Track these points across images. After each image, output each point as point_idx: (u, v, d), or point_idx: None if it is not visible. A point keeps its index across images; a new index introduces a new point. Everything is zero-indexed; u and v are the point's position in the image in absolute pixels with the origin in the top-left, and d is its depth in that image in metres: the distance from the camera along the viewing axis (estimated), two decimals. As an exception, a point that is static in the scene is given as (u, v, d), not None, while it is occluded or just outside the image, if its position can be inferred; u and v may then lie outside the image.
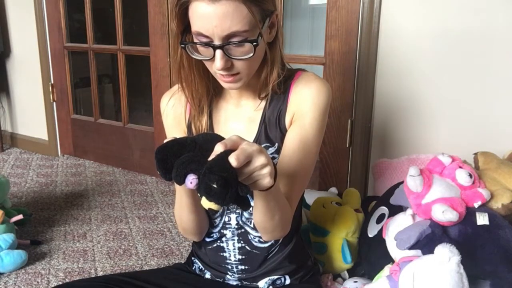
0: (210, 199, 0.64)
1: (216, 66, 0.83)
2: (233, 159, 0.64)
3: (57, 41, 2.55)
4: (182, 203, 0.97)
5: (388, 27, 1.60)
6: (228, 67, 0.84)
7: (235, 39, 0.81)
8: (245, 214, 1.01)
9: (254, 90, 0.97)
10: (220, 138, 0.70)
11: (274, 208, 0.85)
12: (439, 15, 1.50)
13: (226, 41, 0.81)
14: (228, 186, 0.63)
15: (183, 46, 0.86)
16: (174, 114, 1.03)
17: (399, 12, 1.57)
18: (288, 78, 0.97)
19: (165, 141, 0.72)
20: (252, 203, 0.99)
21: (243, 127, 0.99)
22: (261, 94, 0.96)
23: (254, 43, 0.82)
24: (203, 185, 0.63)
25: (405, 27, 1.57)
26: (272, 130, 0.98)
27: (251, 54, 0.83)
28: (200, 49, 0.86)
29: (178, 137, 0.73)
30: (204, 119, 0.99)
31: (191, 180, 0.65)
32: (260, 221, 0.89)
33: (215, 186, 0.62)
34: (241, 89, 0.97)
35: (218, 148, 0.66)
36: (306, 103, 0.94)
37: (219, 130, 1.00)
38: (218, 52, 0.82)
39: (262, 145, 0.97)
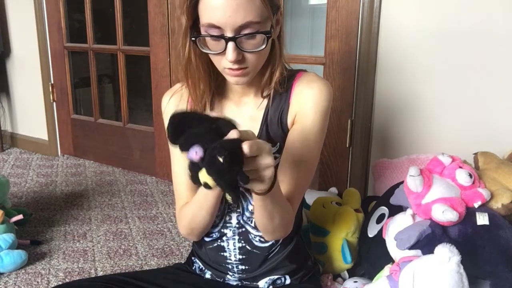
0: (210, 172, 0.63)
1: (228, 58, 0.83)
2: (246, 146, 0.64)
3: (57, 41, 2.55)
4: (204, 204, 0.96)
5: (388, 27, 1.60)
6: (239, 60, 0.84)
7: (247, 31, 0.81)
8: (246, 213, 1.02)
9: (257, 88, 0.97)
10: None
11: (272, 211, 0.85)
12: (439, 15, 1.50)
13: (238, 33, 0.81)
14: (232, 165, 0.63)
15: (194, 39, 0.86)
16: (176, 113, 1.03)
17: (399, 12, 1.58)
18: (289, 78, 0.97)
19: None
20: (251, 206, 1.00)
21: (245, 126, 0.99)
22: (263, 93, 0.97)
23: (267, 35, 0.82)
24: (209, 156, 0.62)
25: (405, 26, 1.57)
26: (273, 130, 0.98)
27: (263, 46, 0.83)
28: (210, 43, 0.85)
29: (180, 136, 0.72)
30: None
31: (197, 150, 0.64)
32: (260, 223, 0.90)
33: (220, 160, 0.61)
34: (244, 88, 0.97)
35: (233, 134, 0.66)
36: (307, 104, 0.94)
37: None
38: (230, 44, 0.82)
39: None
